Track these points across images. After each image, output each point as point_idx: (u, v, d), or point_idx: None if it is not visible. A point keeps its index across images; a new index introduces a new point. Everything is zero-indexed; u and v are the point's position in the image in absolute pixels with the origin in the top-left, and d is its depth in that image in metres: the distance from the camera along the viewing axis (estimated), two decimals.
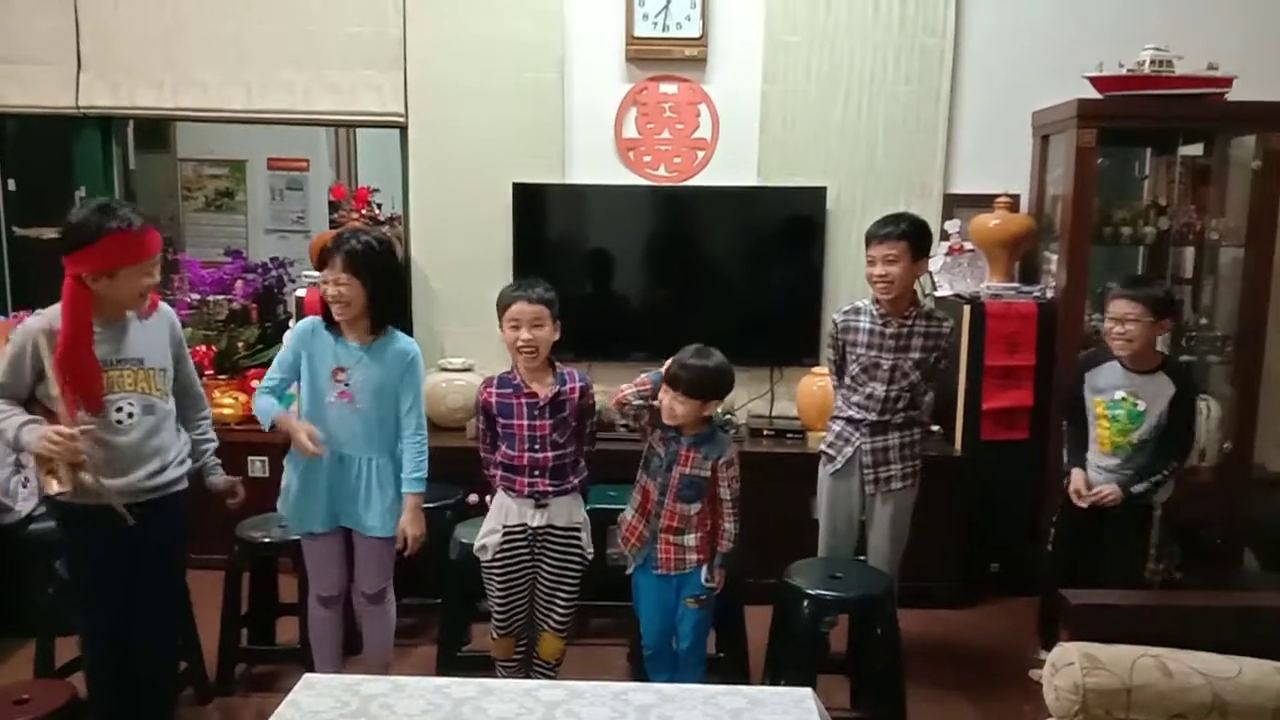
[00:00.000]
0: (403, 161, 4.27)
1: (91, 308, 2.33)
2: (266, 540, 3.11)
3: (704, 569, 2.71)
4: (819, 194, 4.09)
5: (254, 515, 3.17)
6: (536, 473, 2.70)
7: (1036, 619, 3.39)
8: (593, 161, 4.18)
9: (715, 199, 4.18)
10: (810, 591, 2.75)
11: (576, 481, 2.76)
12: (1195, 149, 4.02)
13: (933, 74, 4.08)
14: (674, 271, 4.20)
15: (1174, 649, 2.03)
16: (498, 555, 2.73)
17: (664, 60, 4.11)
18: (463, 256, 4.21)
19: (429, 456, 2.82)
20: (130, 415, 2.42)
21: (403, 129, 4.22)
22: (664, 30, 4.06)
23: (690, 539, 2.69)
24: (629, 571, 2.80)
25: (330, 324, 2.73)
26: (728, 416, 3.96)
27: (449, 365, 4.05)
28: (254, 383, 4.14)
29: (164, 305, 2.59)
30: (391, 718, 1.94)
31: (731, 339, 4.07)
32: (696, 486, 2.67)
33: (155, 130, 5.43)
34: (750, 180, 4.15)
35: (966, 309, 3.80)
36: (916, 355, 3.03)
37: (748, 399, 4.19)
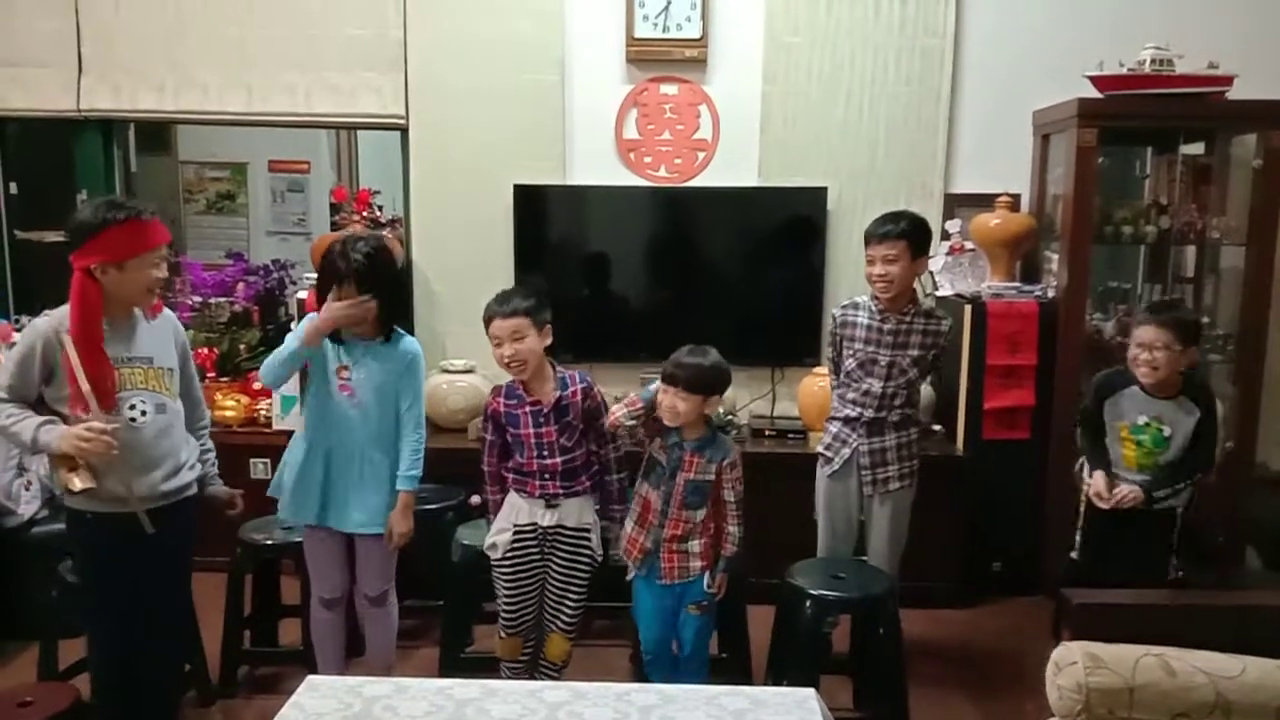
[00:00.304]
0: (403, 163, 4.27)
1: (100, 300, 2.33)
2: (269, 542, 3.11)
3: (706, 575, 2.70)
4: (820, 194, 4.09)
5: (256, 517, 3.18)
6: (547, 477, 2.71)
7: (1051, 622, 3.35)
8: (593, 163, 4.19)
9: (716, 200, 4.18)
10: (813, 592, 2.74)
11: (589, 483, 2.76)
12: (1196, 148, 4.02)
13: (933, 74, 4.09)
14: (675, 272, 4.21)
15: (1177, 648, 2.03)
16: (508, 554, 2.73)
17: (664, 61, 4.11)
18: (464, 258, 4.22)
19: (430, 457, 2.84)
20: (144, 413, 2.42)
21: (403, 131, 4.22)
22: (664, 31, 4.06)
23: (694, 545, 2.68)
24: (629, 577, 2.79)
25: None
26: (729, 417, 3.97)
27: (450, 366, 4.06)
28: (255, 385, 4.16)
29: (167, 311, 2.60)
30: (394, 719, 1.94)
31: (733, 339, 4.09)
32: (702, 492, 2.66)
33: (156, 133, 5.43)
34: (751, 181, 4.16)
35: (968, 308, 3.80)
36: (915, 352, 3.02)
37: (749, 399, 4.19)
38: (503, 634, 2.80)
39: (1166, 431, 2.80)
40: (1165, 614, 2.19)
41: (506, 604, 2.77)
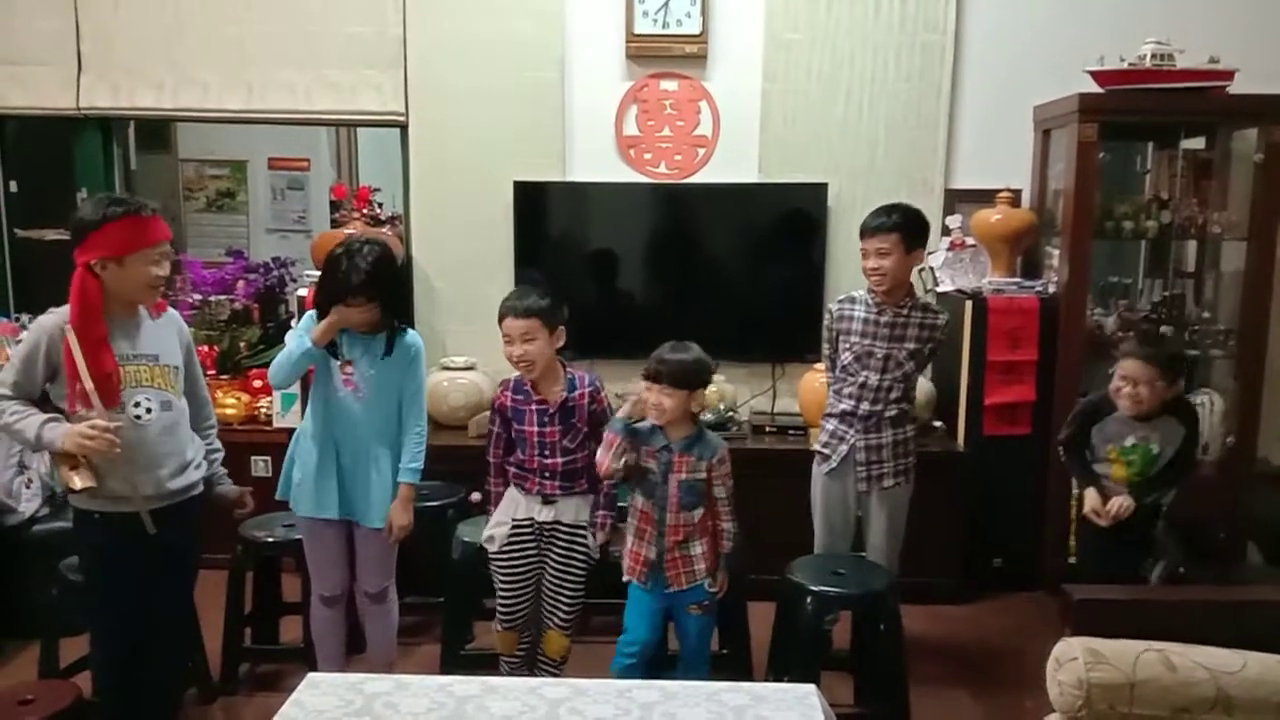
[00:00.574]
0: (403, 160, 4.27)
1: (101, 296, 2.33)
2: (270, 540, 3.11)
3: (708, 576, 2.68)
4: (820, 190, 4.09)
5: (257, 515, 3.18)
6: (546, 475, 2.72)
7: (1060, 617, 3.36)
8: (593, 159, 4.18)
9: (716, 196, 4.17)
10: (813, 588, 2.74)
11: (588, 484, 2.76)
12: (1197, 142, 4.02)
13: (933, 70, 4.08)
14: (675, 269, 4.20)
15: (1178, 643, 2.03)
16: (504, 547, 2.74)
17: (664, 57, 4.11)
18: (464, 255, 4.22)
19: (431, 454, 2.84)
20: (149, 411, 2.41)
21: (403, 128, 4.22)
22: (664, 27, 4.06)
23: (697, 547, 2.66)
24: (626, 579, 2.75)
25: None
26: (730, 414, 3.96)
27: (451, 364, 4.05)
28: (256, 383, 4.16)
29: (172, 310, 2.59)
30: (395, 716, 1.94)
31: (733, 336, 4.14)
32: (696, 491, 2.64)
33: (156, 131, 5.43)
34: (751, 177, 4.15)
35: (968, 304, 3.80)
36: (911, 346, 3.02)
37: (750, 396, 4.19)
38: (499, 628, 2.81)
39: (1156, 449, 2.86)
40: (1166, 609, 2.18)
41: (503, 598, 2.77)
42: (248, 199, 5.97)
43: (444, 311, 4.27)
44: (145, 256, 2.36)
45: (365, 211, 4.18)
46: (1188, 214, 3.85)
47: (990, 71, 4.09)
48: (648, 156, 4.20)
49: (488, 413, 2.92)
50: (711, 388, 3.97)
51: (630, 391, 2.70)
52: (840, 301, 3.14)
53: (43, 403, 2.39)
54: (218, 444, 2.74)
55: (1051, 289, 3.87)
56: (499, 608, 2.79)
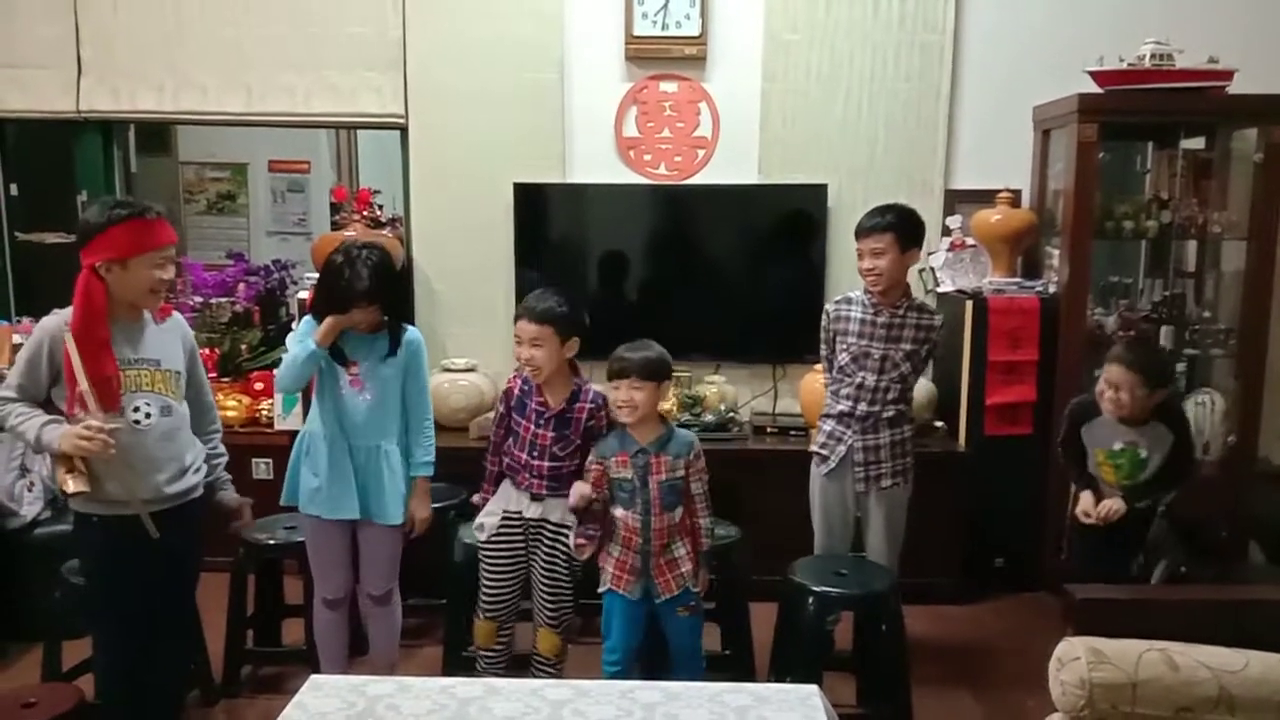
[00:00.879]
0: (403, 163, 4.27)
1: (104, 298, 2.33)
2: (271, 542, 3.11)
3: (693, 579, 2.67)
4: (820, 191, 4.09)
5: (259, 517, 3.18)
6: (533, 474, 2.74)
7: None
8: (593, 161, 4.18)
9: (716, 197, 4.18)
10: (815, 589, 2.74)
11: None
12: (1197, 142, 4.02)
13: (933, 70, 4.08)
14: (676, 270, 4.20)
15: (1180, 643, 2.03)
16: (493, 538, 2.77)
17: (664, 59, 4.11)
18: (464, 257, 4.22)
19: None
20: (148, 416, 2.41)
21: (403, 130, 4.22)
22: (663, 29, 4.06)
23: (680, 549, 2.65)
24: (601, 590, 2.72)
25: None
26: (730, 414, 3.96)
27: (452, 366, 4.05)
28: (257, 385, 4.16)
29: (176, 314, 2.60)
30: (398, 718, 1.94)
31: (734, 337, 4.15)
32: (677, 490, 2.63)
33: (156, 134, 5.44)
34: (751, 178, 4.15)
35: (969, 304, 3.80)
36: (908, 346, 3.02)
37: (751, 396, 4.19)
38: (479, 616, 2.81)
39: (1143, 454, 2.85)
40: (1168, 609, 2.18)
41: (486, 587, 2.79)
42: (248, 201, 5.98)
43: (444, 313, 4.27)
44: (149, 259, 2.36)
45: (365, 214, 4.18)
46: (1188, 214, 3.85)
47: (990, 71, 4.09)
48: (647, 158, 4.20)
49: (489, 414, 2.93)
50: (713, 388, 4.01)
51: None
52: (836, 302, 3.14)
53: (48, 405, 2.39)
54: (221, 448, 2.74)
55: (1052, 289, 3.87)
56: (482, 597, 2.80)
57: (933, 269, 4.05)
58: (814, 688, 2.08)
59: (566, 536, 2.74)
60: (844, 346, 3.07)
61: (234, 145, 5.75)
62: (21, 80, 4.17)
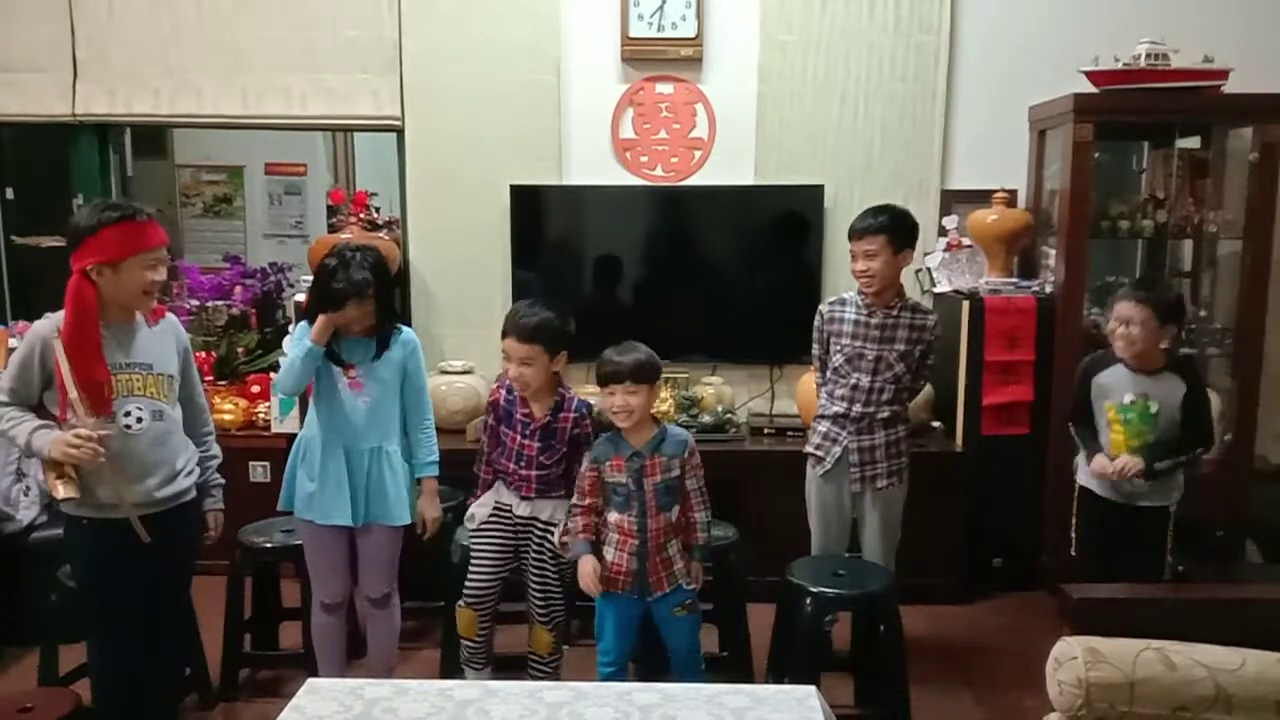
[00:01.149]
0: (400, 165, 4.27)
1: (96, 302, 2.32)
2: (268, 545, 3.10)
3: (686, 575, 2.66)
4: (816, 192, 4.09)
5: (256, 520, 3.18)
6: (521, 480, 2.76)
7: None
8: (590, 162, 4.18)
9: (713, 198, 4.18)
10: (813, 589, 2.74)
11: (565, 491, 2.77)
12: (1192, 142, 4.02)
13: (929, 71, 4.09)
14: (672, 272, 4.20)
15: (1177, 642, 2.03)
16: (483, 526, 2.79)
17: (660, 60, 4.11)
18: (461, 259, 4.22)
19: None
20: (139, 420, 2.40)
21: (399, 133, 4.22)
22: (659, 30, 4.06)
23: (673, 547, 2.64)
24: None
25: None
26: (728, 416, 3.96)
27: (449, 368, 4.05)
28: (254, 388, 4.16)
29: (171, 316, 2.58)
30: None
31: (731, 338, 4.15)
32: (673, 491, 2.63)
33: (153, 137, 5.43)
34: (747, 179, 4.16)
35: (965, 304, 3.80)
36: (901, 347, 3.02)
37: (748, 398, 4.19)
38: (461, 603, 2.81)
39: (1154, 408, 2.81)
40: (1165, 608, 2.19)
41: (471, 574, 2.80)
42: (245, 204, 5.97)
43: (441, 315, 4.27)
44: (141, 261, 2.35)
45: (362, 216, 4.17)
46: (1183, 213, 3.85)
47: (985, 72, 4.10)
48: (644, 159, 4.20)
49: (485, 417, 2.93)
50: (709, 389, 4.01)
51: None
52: (830, 303, 3.14)
53: (40, 410, 2.38)
54: (215, 450, 2.72)
55: (1048, 289, 3.87)
56: (466, 583, 2.80)
57: (929, 269, 4.05)
58: (812, 688, 2.08)
59: (553, 535, 2.75)
60: (838, 348, 3.07)
61: (230, 148, 5.75)
62: (17, 84, 4.16)
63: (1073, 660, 2.01)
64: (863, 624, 3.02)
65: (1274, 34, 3.98)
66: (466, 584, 2.81)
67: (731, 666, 3.03)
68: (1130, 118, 3.79)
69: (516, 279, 4.11)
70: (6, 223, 4.46)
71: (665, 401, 3.84)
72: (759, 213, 4.17)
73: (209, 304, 4.35)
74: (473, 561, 2.81)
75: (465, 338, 4.21)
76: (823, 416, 3.13)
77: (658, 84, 4.16)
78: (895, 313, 3.02)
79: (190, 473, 2.55)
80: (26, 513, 3.40)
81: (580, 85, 4.16)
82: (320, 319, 2.69)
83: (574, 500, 2.68)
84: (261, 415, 4.10)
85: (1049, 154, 4.00)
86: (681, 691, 2.09)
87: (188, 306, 4.30)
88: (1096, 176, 3.75)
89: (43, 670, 2.90)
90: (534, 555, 2.78)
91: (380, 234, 4.11)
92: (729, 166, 4.16)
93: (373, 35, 4.13)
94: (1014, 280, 3.93)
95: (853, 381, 3.04)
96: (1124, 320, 2.81)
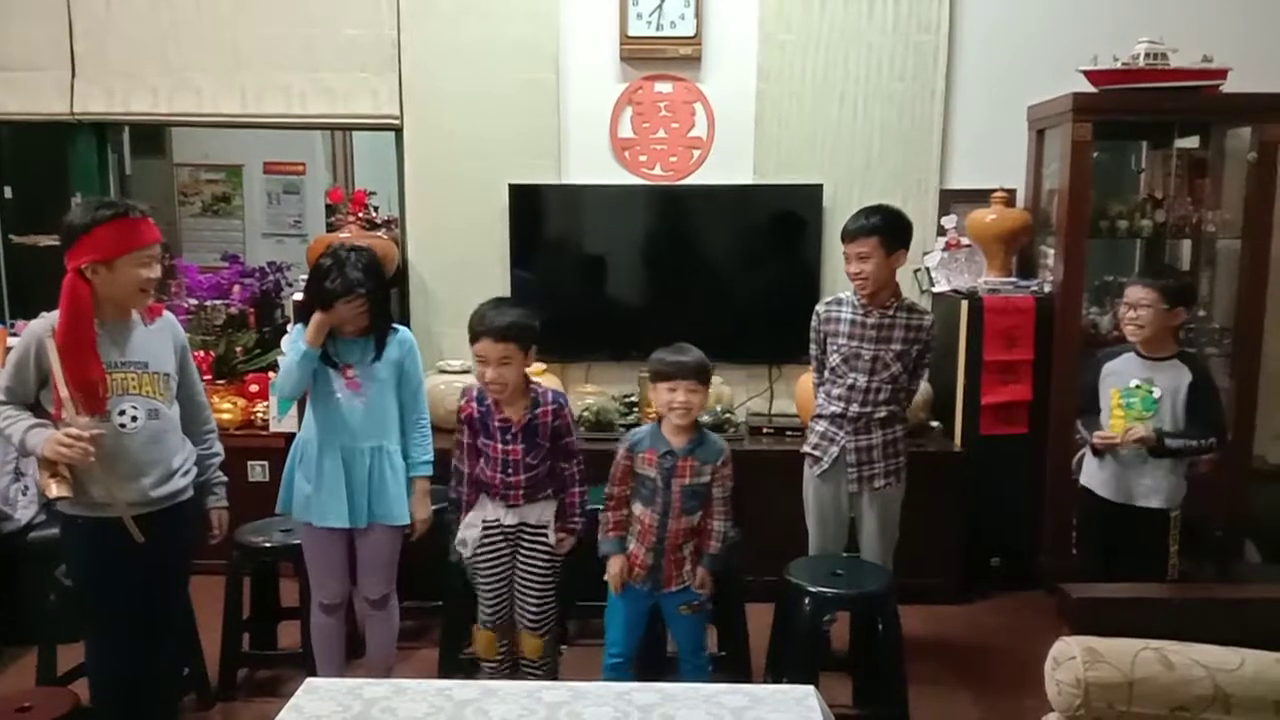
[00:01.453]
0: (399, 164, 4.27)
1: (91, 301, 2.31)
2: (267, 545, 3.10)
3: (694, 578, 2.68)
4: (815, 192, 4.09)
5: (254, 520, 3.18)
6: (509, 489, 2.72)
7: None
8: (588, 162, 4.18)
9: (711, 197, 4.18)
10: (811, 589, 2.74)
11: (551, 491, 2.76)
12: (1191, 141, 4.02)
13: (927, 70, 4.08)
14: (671, 271, 4.20)
15: (1176, 642, 2.03)
16: (478, 550, 2.76)
17: (658, 59, 4.11)
18: (460, 258, 4.21)
19: None
20: (134, 419, 2.39)
21: (398, 131, 4.22)
22: (658, 29, 4.06)
23: (689, 548, 2.68)
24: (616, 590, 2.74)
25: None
26: (726, 415, 3.96)
27: (447, 367, 4.05)
28: (252, 387, 4.15)
29: (168, 314, 2.58)
30: None
31: (729, 337, 4.14)
32: (699, 496, 2.65)
33: (151, 135, 5.43)
34: (746, 179, 4.16)
35: (964, 304, 3.80)
36: (898, 347, 3.02)
37: (746, 397, 4.19)
38: (481, 626, 2.80)
39: (1156, 394, 2.84)
40: (1164, 608, 2.19)
41: (483, 598, 2.78)
42: (243, 203, 5.97)
43: (440, 314, 4.27)
44: (135, 259, 2.34)
45: (361, 215, 4.17)
46: (1182, 213, 3.85)
47: (984, 71, 4.10)
48: (643, 158, 4.20)
49: None
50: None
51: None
52: (827, 303, 3.14)
53: (36, 409, 2.38)
54: (217, 447, 2.71)
55: (1047, 288, 3.87)
56: (481, 608, 2.80)
57: (928, 269, 4.05)
58: (810, 688, 2.09)
59: (545, 536, 2.75)
60: (835, 348, 3.07)
61: (229, 147, 5.75)
62: (15, 82, 4.16)
63: (1071, 660, 2.01)
64: (861, 624, 3.02)
65: (1273, 34, 3.98)
66: (481, 608, 2.79)
67: (730, 666, 3.02)
68: (1129, 117, 3.79)
69: (515, 278, 4.11)
70: (5, 222, 4.46)
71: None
72: (758, 212, 4.17)
73: (207, 303, 4.34)
74: (480, 585, 2.78)
75: (464, 337, 4.13)
76: (820, 416, 3.13)
77: (656, 83, 4.16)
78: (891, 313, 3.02)
79: (187, 472, 2.54)
80: (25, 512, 3.39)
81: (579, 84, 4.15)
82: (314, 320, 2.68)
83: (606, 489, 2.70)
84: (260, 415, 4.10)
85: (1048, 153, 4.00)
86: (680, 691, 2.09)
87: (186, 305, 4.29)
88: (1095, 176, 3.75)
89: (41, 670, 2.90)
90: (524, 559, 2.76)
91: (379, 233, 4.11)
92: (728, 166, 4.16)
93: (372, 34, 4.13)
94: (1013, 280, 3.93)
95: (850, 381, 3.04)
96: (1133, 304, 2.87)
